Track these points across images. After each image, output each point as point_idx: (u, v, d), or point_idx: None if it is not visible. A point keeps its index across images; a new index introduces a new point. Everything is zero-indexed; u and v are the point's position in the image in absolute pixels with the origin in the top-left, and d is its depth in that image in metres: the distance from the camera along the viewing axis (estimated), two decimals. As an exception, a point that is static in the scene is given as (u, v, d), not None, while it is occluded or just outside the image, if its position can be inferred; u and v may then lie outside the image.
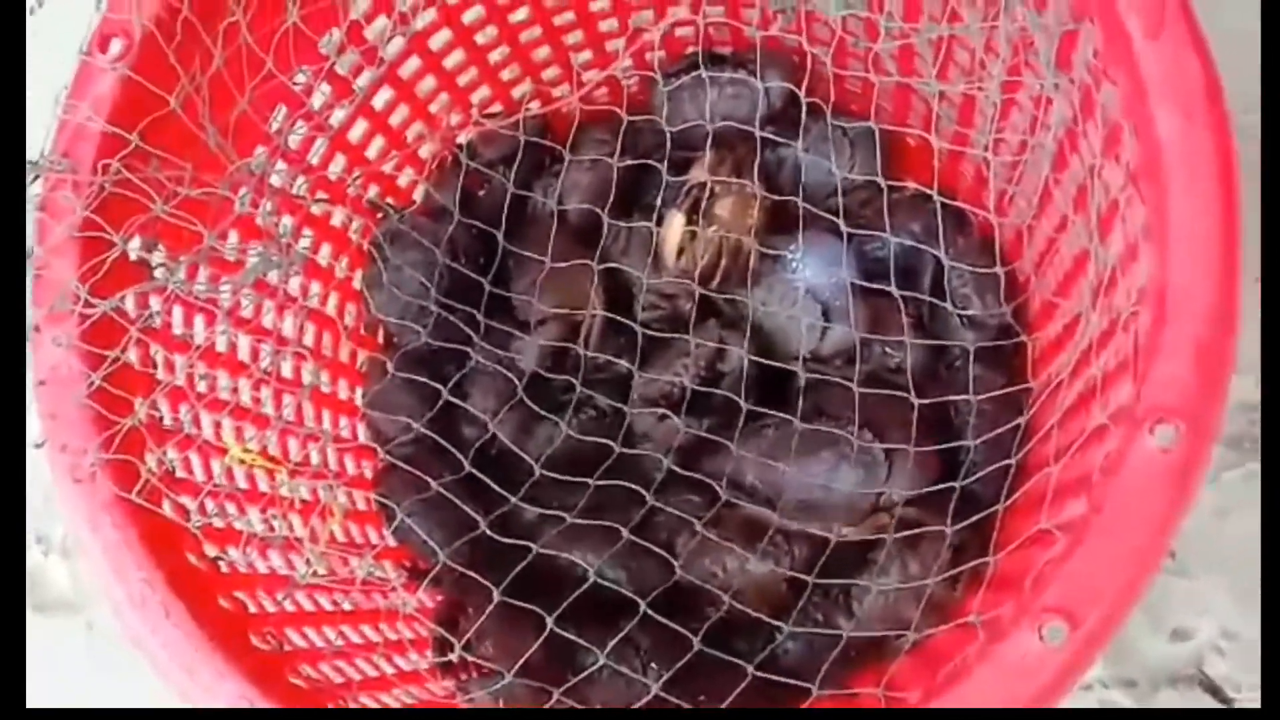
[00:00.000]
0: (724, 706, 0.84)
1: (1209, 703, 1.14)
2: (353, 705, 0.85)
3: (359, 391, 1.14)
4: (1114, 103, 0.77)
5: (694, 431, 1.00)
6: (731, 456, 0.98)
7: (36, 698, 1.28)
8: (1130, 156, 0.76)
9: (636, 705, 0.90)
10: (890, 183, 0.97)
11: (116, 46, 0.88)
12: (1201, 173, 0.72)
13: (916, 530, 0.90)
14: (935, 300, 1.00)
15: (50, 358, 0.84)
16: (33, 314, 0.85)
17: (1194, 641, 1.15)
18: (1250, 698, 1.13)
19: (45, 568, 1.35)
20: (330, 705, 0.83)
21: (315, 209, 1.07)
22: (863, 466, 0.94)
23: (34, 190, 0.86)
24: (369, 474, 1.11)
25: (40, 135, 0.87)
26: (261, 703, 0.78)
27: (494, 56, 1.16)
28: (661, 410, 1.03)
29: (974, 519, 0.86)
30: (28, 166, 0.86)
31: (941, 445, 0.93)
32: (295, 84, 0.98)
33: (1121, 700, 1.15)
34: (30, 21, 1.40)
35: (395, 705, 0.90)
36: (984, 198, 0.95)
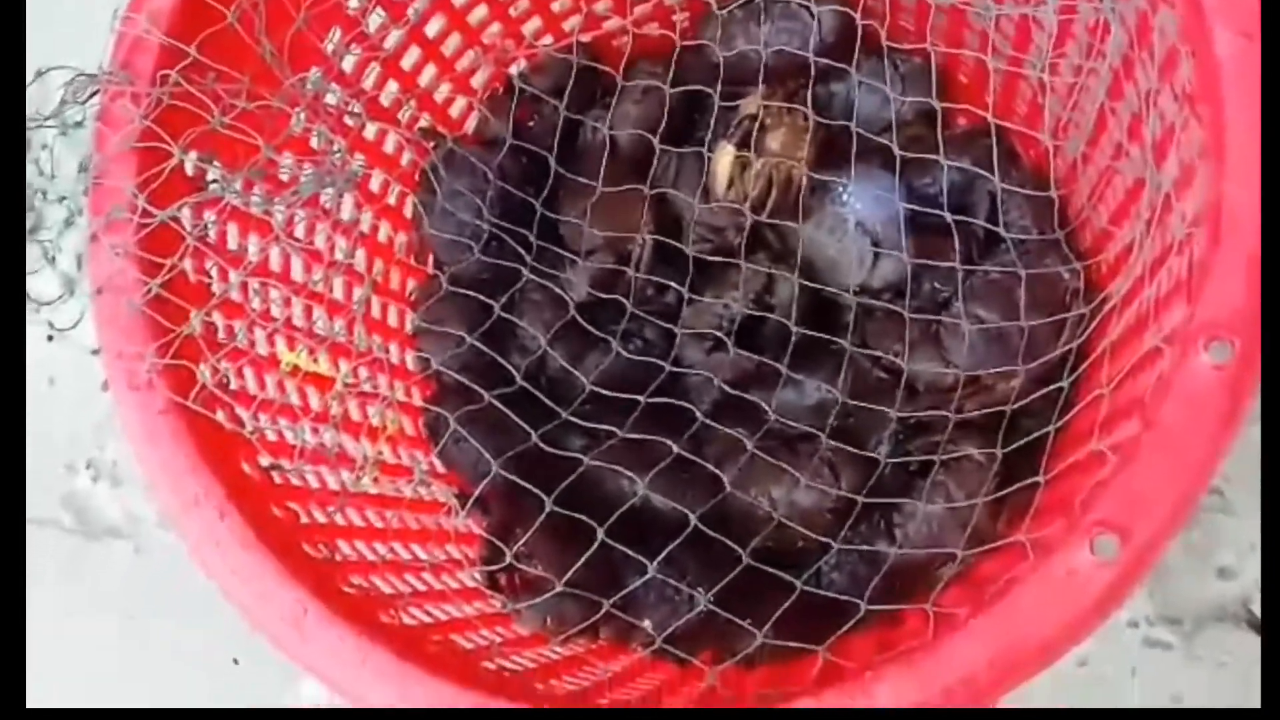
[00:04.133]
0: (769, 625, 0.84)
1: (1254, 640, 1.14)
2: (404, 616, 0.85)
3: (409, 318, 1.15)
4: (1171, 26, 0.77)
5: (745, 355, 1.01)
6: (778, 388, 0.99)
7: (84, 623, 1.31)
8: (1187, 80, 0.76)
9: (683, 622, 0.91)
10: (945, 105, 0.97)
11: (175, -41, 0.88)
12: (1259, 90, 0.72)
13: (961, 454, 0.91)
14: (990, 226, 0.99)
15: (107, 266, 0.85)
16: (91, 222, 0.85)
17: (1240, 580, 1.15)
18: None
19: (93, 494, 1.37)
20: (381, 615, 0.83)
21: (368, 133, 1.07)
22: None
23: (93, 101, 0.87)
24: (418, 401, 1.11)
25: (100, 47, 0.88)
26: (315, 608, 0.79)
27: (546, -14, 1.16)
28: (710, 341, 1.03)
29: (1023, 441, 0.86)
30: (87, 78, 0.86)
31: (995, 370, 0.93)
32: (350, 7, 0.99)
33: (1167, 637, 1.15)
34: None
35: (444, 618, 0.91)
36: (1038, 129, 0.95)
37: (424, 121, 1.16)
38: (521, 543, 0.89)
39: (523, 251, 1.05)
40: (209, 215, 0.90)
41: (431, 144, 1.12)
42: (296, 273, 1.00)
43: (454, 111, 1.19)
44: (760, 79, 1.04)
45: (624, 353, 1.03)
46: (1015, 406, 0.90)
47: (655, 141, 1.05)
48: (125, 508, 1.36)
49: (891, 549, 0.93)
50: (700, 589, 0.92)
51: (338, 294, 1.05)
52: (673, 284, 1.03)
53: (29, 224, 1.22)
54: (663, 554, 0.88)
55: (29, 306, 0.94)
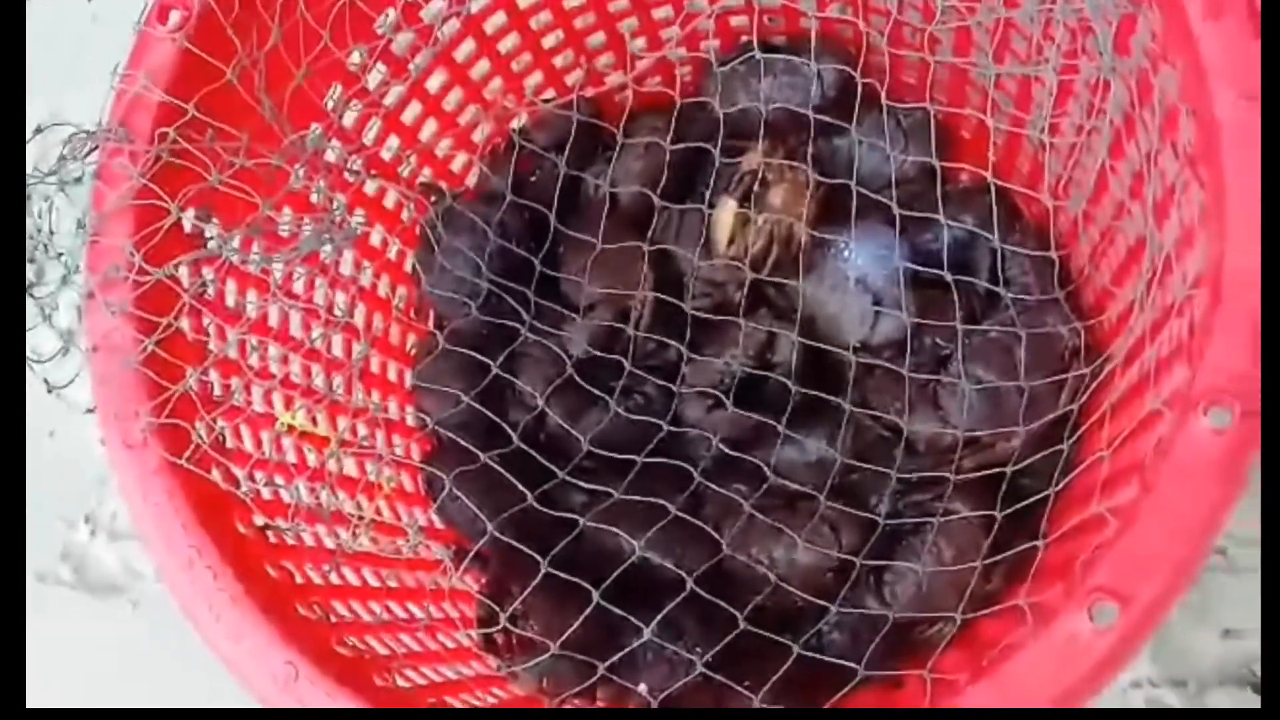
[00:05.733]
0: (766, 689, 0.83)
1: (1257, 702, 1.12)
2: (398, 678, 0.85)
3: (408, 374, 1.14)
4: (1172, 86, 0.77)
5: (745, 414, 1.00)
6: (778, 446, 0.98)
7: (83, 677, 1.30)
8: (1188, 141, 0.76)
9: (680, 684, 0.90)
10: (945, 165, 0.97)
11: (175, 18, 0.88)
12: (1259, 153, 0.71)
13: (951, 514, 0.91)
14: (992, 286, 0.99)
15: (103, 324, 0.85)
16: (88, 280, 0.85)
17: (1245, 641, 1.14)
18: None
19: (92, 548, 1.36)
20: (375, 678, 0.83)
21: (369, 188, 1.07)
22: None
23: (91, 159, 0.87)
24: (416, 456, 1.11)
25: (99, 105, 0.88)
26: (306, 670, 0.78)
27: (548, 41, 1.16)
28: (711, 400, 1.03)
29: (1023, 504, 0.85)
30: (84, 136, 0.87)
31: (994, 431, 0.93)
32: (351, 63, 0.99)
33: (1171, 700, 1.14)
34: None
35: (439, 680, 0.90)
36: (1040, 187, 0.94)
37: (425, 176, 1.16)
38: (518, 602, 0.89)
39: (521, 309, 1.04)
40: (207, 273, 0.90)
41: (432, 199, 1.12)
42: (295, 329, 1.00)
43: (455, 166, 1.19)
44: (761, 135, 1.04)
45: (622, 411, 1.02)
46: (1016, 467, 0.90)
47: (656, 197, 1.05)
48: (124, 562, 1.35)
49: (882, 609, 0.93)
50: (698, 650, 0.91)
51: (336, 351, 1.05)
52: (673, 341, 1.03)
53: (28, 279, 1.22)
54: (660, 615, 0.87)
55: (27, 362, 0.93)
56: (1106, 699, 0.76)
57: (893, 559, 0.94)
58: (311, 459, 0.96)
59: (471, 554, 0.95)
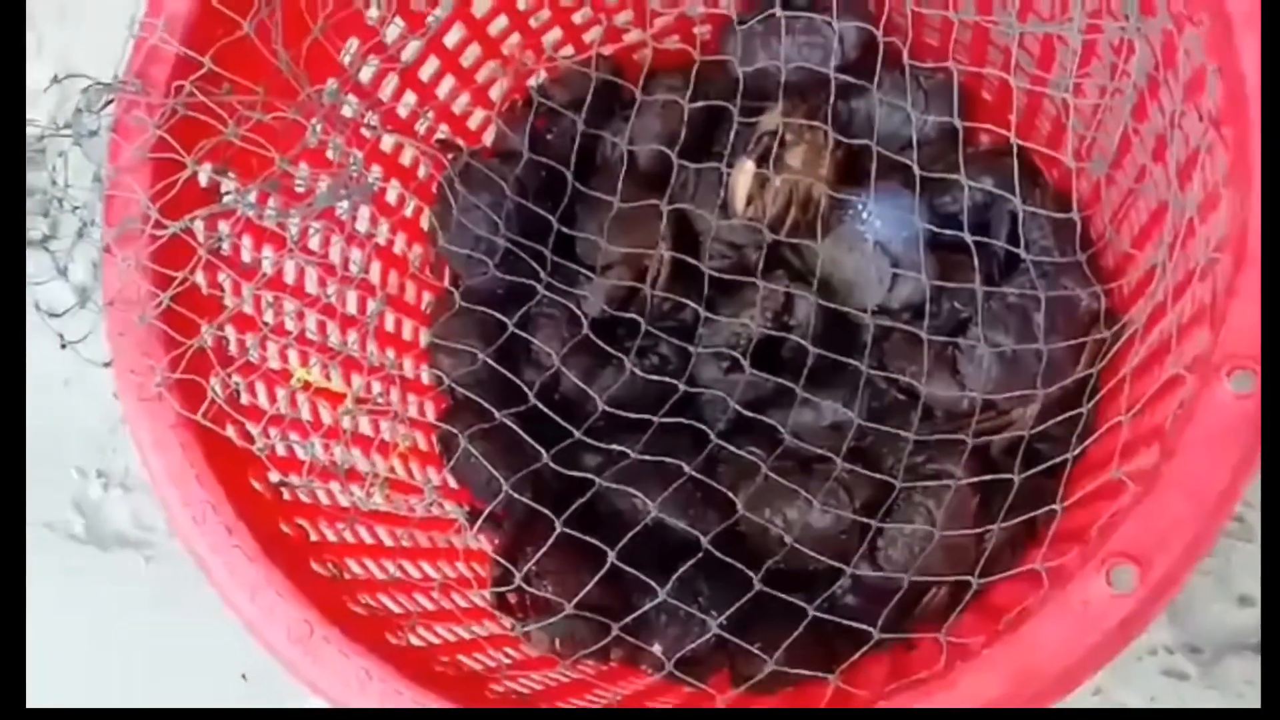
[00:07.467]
0: (781, 651, 0.83)
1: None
2: (411, 637, 0.85)
3: (423, 332, 1.14)
4: (1197, 46, 0.76)
5: (762, 377, 0.99)
6: (794, 408, 0.98)
7: (94, 632, 1.30)
8: (1213, 102, 0.75)
9: (695, 645, 0.90)
10: (966, 124, 0.96)
11: (192, -31, 0.88)
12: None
13: (945, 482, 0.91)
14: (1010, 248, 0.98)
15: (120, 278, 0.85)
16: (104, 233, 0.85)
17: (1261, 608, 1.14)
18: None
19: (105, 502, 1.36)
20: (389, 636, 0.83)
21: (385, 144, 1.07)
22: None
23: (107, 110, 0.86)
24: (431, 416, 1.11)
25: (115, 56, 0.87)
26: (321, 627, 0.78)
27: (566, -1, 1.15)
28: (728, 361, 1.02)
29: (1036, 470, 0.85)
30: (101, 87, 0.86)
31: (1012, 394, 0.92)
32: (368, 17, 0.98)
33: (1185, 666, 1.13)
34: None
35: (453, 639, 0.90)
36: (1061, 149, 0.94)
37: (442, 133, 1.15)
38: (532, 563, 0.88)
39: (538, 267, 1.04)
40: (223, 227, 0.89)
41: (449, 156, 1.11)
42: (310, 286, 0.99)
43: (472, 124, 1.19)
44: (780, 95, 1.03)
45: (638, 371, 1.02)
46: (1032, 432, 0.89)
47: (674, 157, 1.04)
48: (136, 516, 1.35)
49: (873, 573, 0.93)
50: (713, 612, 0.91)
51: (351, 308, 1.04)
52: (689, 302, 1.02)
53: (43, 233, 1.22)
54: (674, 576, 0.87)
55: (41, 316, 0.93)
56: (1121, 664, 0.75)
57: (886, 523, 0.94)
58: (326, 416, 0.96)
59: (486, 514, 0.94)
